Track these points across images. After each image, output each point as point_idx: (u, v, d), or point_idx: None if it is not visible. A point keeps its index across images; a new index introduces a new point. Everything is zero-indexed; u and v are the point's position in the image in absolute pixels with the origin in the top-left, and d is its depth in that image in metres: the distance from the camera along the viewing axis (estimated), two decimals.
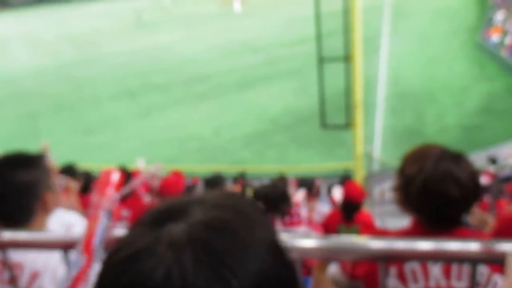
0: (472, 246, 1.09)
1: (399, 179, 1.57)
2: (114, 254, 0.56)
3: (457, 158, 1.51)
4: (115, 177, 1.19)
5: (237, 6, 42.74)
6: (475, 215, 2.61)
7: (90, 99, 19.71)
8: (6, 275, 1.38)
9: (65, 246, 1.21)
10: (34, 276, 1.42)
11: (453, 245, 1.11)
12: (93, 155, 13.43)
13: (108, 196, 1.14)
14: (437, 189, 1.45)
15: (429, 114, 14.57)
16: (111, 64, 25.82)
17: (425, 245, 1.12)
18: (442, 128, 13.51)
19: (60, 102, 19.74)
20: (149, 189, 4.87)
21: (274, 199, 3.31)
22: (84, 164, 8.53)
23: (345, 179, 7.24)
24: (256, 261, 0.55)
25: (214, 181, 5.73)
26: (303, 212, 3.75)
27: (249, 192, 5.39)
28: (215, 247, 0.53)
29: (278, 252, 0.60)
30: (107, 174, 1.19)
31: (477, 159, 11.05)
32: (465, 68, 18.66)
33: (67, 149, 13.32)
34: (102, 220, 1.12)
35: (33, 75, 24.99)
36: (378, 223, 5.55)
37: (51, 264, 1.41)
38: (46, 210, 1.58)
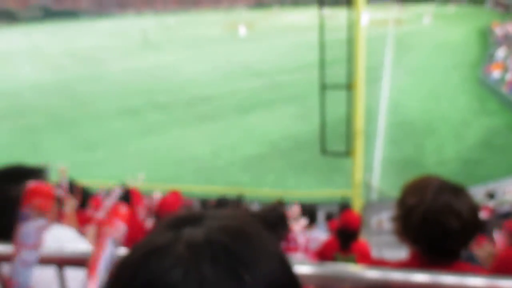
0: (470, 281, 1.08)
1: (399, 209, 1.57)
2: (133, 251, 0.57)
3: (457, 190, 1.51)
4: (123, 210, 1.20)
5: (242, 31, 43.32)
6: (484, 248, 2.58)
7: (92, 116, 19.78)
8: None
9: (59, 262, 1.20)
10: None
11: (449, 279, 1.10)
12: (92, 171, 13.39)
13: (115, 227, 1.15)
14: (436, 221, 1.45)
15: (428, 145, 14.60)
16: (115, 82, 26.00)
17: (421, 277, 1.11)
18: (441, 160, 13.52)
19: (62, 117, 19.80)
20: (148, 209, 4.85)
21: (272, 222, 3.28)
22: (83, 180, 8.50)
23: (343, 208, 7.20)
24: (268, 267, 0.57)
25: (218, 204, 5.72)
26: (301, 239, 3.73)
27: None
28: (232, 249, 0.55)
29: (286, 263, 0.62)
30: (117, 207, 1.20)
31: (476, 193, 11.02)
32: (466, 102, 18.79)
33: (66, 164, 13.30)
34: (109, 248, 1.12)
35: (35, 89, 25.12)
36: (374, 253, 5.50)
37: (44, 280, 1.39)
38: None
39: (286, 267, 0.61)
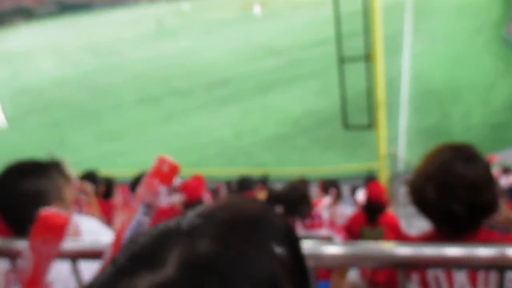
0: (509, 252, 1.01)
1: (411, 182, 1.49)
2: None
3: (471, 159, 1.41)
4: (166, 167, 1.07)
5: (257, 10, 42.88)
6: (501, 213, 2.48)
7: (113, 106, 19.98)
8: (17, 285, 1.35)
9: (73, 256, 1.17)
10: (46, 286, 1.39)
11: (484, 251, 1.03)
12: (117, 161, 13.59)
13: (152, 188, 1.04)
14: (448, 194, 1.36)
15: (454, 112, 14.26)
16: (133, 71, 26.14)
17: (453, 251, 1.04)
18: (468, 127, 13.20)
19: (84, 110, 20.07)
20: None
21: (293, 201, 3.25)
22: (108, 170, 8.61)
23: (367, 181, 7.11)
24: None
25: (241, 185, 5.69)
26: (325, 214, 3.67)
27: (266, 195, 5.32)
28: None
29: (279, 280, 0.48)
30: (160, 163, 1.07)
31: (507, 157, 10.74)
32: (491, 65, 18.22)
33: (91, 156, 13.51)
34: (138, 214, 1.02)
35: (56, 84, 25.47)
36: (403, 225, 5.42)
37: (62, 273, 1.38)
38: None
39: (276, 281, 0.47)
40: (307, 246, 1.08)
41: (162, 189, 1.04)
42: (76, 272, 1.17)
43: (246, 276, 0.45)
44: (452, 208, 1.35)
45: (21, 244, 1.25)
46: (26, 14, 67.19)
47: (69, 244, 1.19)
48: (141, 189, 1.04)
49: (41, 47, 40.21)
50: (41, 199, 1.49)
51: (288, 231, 0.55)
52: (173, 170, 1.06)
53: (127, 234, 1.01)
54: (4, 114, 19.38)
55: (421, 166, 1.47)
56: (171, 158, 1.09)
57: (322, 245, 1.09)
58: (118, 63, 28.99)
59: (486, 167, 1.40)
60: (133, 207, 1.03)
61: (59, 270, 1.38)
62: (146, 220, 1.03)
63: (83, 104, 20.98)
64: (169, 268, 0.44)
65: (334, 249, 1.09)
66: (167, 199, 4.69)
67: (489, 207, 1.39)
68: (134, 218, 1.01)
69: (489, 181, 1.39)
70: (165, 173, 1.04)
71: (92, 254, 1.17)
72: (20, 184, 1.48)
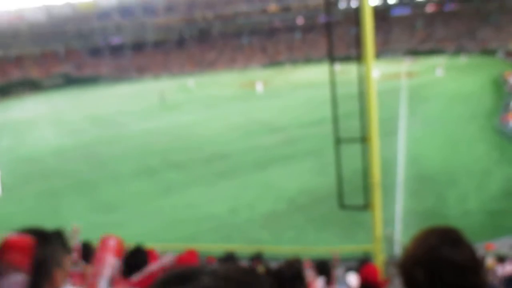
0: None
1: (400, 263, 1.54)
2: None
3: (457, 242, 1.47)
4: (113, 242, 1.18)
5: (259, 87, 44.31)
6: None
7: (111, 177, 20.03)
8: None
9: None
10: None
11: None
12: (111, 232, 13.37)
13: (106, 263, 1.13)
14: (434, 276, 1.41)
15: (450, 197, 14.32)
16: (133, 143, 26.49)
17: None
18: (465, 212, 13.20)
19: (81, 179, 20.09)
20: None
21: (288, 279, 3.23)
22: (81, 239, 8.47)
23: (362, 263, 7.00)
24: None
25: (226, 261, 5.61)
26: None
27: (262, 271, 5.24)
28: None
29: None
30: (105, 240, 1.19)
31: (502, 245, 10.65)
32: (485, 152, 18.58)
33: (85, 226, 13.32)
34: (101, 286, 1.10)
35: (56, 153, 25.71)
36: None
37: None
38: (53, 286, 1.57)
39: None
40: None
41: (114, 261, 1.13)
42: None
43: None
44: None
45: None
46: (33, 86, 69.13)
47: None
48: (94, 266, 1.13)
49: (45, 118, 41.00)
50: (43, 266, 1.52)
51: None
52: (120, 243, 1.17)
53: None
54: (1, 182, 19.36)
55: (409, 250, 1.53)
56: (114, 235, 1.20)
57: None
58: (119, 135, 29.44)
59: (471, 250, 1.46)
60: (92, 284, 1.11)
61: None
62: None
63: (81, 174, 21.04)
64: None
65: None
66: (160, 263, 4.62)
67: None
68: None
69: (476, 265, 1.44)
70: (113, 247, 1.15)
71: None
72: None
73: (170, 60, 79.72)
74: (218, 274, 0.63)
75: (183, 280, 0.61)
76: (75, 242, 3.01)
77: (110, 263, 1.11)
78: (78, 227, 2.97)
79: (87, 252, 4.35)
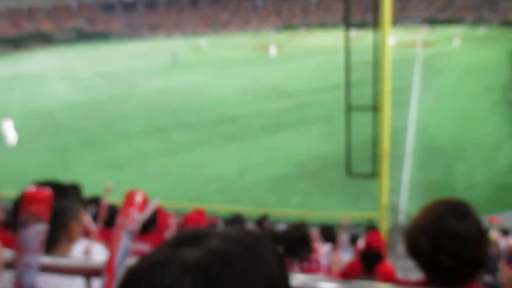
0: None
1: (407, 233, 1.57)
2: (134, 266, 0.64)
3: (464, 215, 1.50)
4: (139, 198, 1.22)
5: (272, 51, 43.77)
6: (503, 274, 2.52)
7: (120, 135, 20.17)
8: None
9: (87, 273, 1.24)
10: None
11: None
12: (119, 189, 13.59)
13: (130, 217, 1.17)
14: (439, 247, 1.43)
15: (458, 169, 14.30)
16: (144, 102, 26.52)
17: None
18: (471, 185, 13.20)
19: (91, 136, 20.26)
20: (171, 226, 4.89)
21: (294, 243, 3.29)
22: (111, 198, 8.63)
23: (367, 230, 7.09)
24: None
25: (233, 222, 5.71)
26: (323, 260, 3.69)
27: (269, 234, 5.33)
28: (214, 274, 0.60)
29: None
30: (131, 195, 1.22)
31: (508, 219, 10.70)
32: (497, 125, 18.39)
33: (94, 182, 13.53)
34: (123, 241, 1.14)
35: (67, 109, 25.84)
36: (400, 277, 5.37)
37: None
38: (71, 239, 1.63)
39: None
40: (302, 279, 1.13)
41: (139, 216, 1.17)
42: (88, 287, 1.24)
43: (255, 275, 0.63)
44: (442, 260, 1.42)
45: (45, 260, 1.32)
46: (45, 39, 68.82)
47: (83, 262, 1.26)
48: (120, 219, 1.17)
49: (56, 72, 41.00)
50: (60, 218, 1.56)
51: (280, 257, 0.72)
52: (145, 199, 1.21)
53: (117, 259, 1.13)
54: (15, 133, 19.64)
55: (416, 219, 1.56)
56: (140, 190, 1.23)
57: (318, 280, 1.14)
58: (130, 93, 29.45)
59: (478, 224, 1.49)
60: (116, 236, 1.16)
61: (70, 286, 1.44)
62: (130, 245, 1.16)
63: (91, 130, 21.20)
64: (198, 251, 0.63)
65: (330, 286, 1.13)
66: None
67: (479, 263, 1.46)
68: (120, 245, 1.14)
69: (481, 238, 1.47)
70: (139, 202, 1.18)
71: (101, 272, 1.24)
72: None
73: (183, 19, 78.66)
74: (226, 237, 0.66)
75: (192, 241, 0.64)
76: (105, 200, 3.09)
77: (135, 218, 1.15)
78: (111, 185, 3.04)
79: (98, 207, 4.44)
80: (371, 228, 7.94)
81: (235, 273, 0.61)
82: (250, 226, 8.00)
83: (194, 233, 0.68)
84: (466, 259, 1.43)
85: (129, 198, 1.19)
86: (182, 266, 0.60)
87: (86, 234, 2.90)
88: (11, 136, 19.54)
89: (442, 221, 1.47)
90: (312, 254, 3.54)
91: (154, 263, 0.62)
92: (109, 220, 4.74)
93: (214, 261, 0.61)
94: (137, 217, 1.16)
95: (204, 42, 57.44)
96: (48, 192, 1.25)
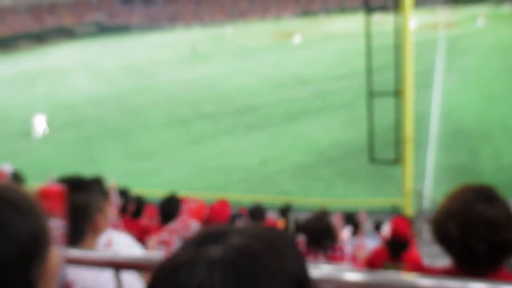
0: None
1: (434, 219, 1.57)
2: (160, 266, 0.65)
3: (493, 200, 1.49)
4: (197, 207, 1.24)
5: (297, 38, 43.39)
6: None
7: (143, 126, 20.38)
8: None
9: (116, 266, 1.25)
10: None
11: None
12: (144, 180, 13.79)
13: (187, 225, 1.20)
14: (469, 232, 1.43)
15: (484, 152, 14.01)
16: (165, 93, 26.71)
17: (477, 286, 1.07)
18: (498, 168, 12.92)
19: (115, 128, 20.54)
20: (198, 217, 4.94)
21: (317, 233, 3.29)
22: (136, 189, 8.76)
23: (394, 216, 7.04)
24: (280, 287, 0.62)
25: (254, 212, 5.72)
26: (348, 248, 3.68)
27: (293, 225, 5.34)
28: (242, 270, 0.60)
29: (304, 284, 0.68)
30: (190, 204, 1.25)
31: None
32: None
33: (120, 173, 13.76)
34: (176, 246, 1.17)
35: (91, 102, 26.21)
36: (426, 263, 5.32)
37: (100, 281, 1.46)
38: (96, 230, 1.67)
39: (300, 286, 0.67)
40: (328, 270, 1.13)
41: (194, 225, 1.18)
42: (118, 281, 1.25)
43: (281, 268, 0.65)
44: (472, 244, 1.42)
45: (67, 253, 1.34)
46: (66, 33, 69.77)
47: (112, 254, 1.28)
48: (176, 225, 1.19)
49: (79, 66, 41.56)
50: (86, 211, 1.60)
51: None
52: (202, 207, 1.22)
53: None
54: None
55: (443, 205, 1.56)
56: (199, 199, 1.24)
57: (343, 270, 1.14)
58: (151, 84, 29.68)
59: (506, 208, 1.49)
60: (169, 241, 1.17)
61: (98, 278, 1.47)
62: None
63: (114, 122, 21.48)
64: (223, 247, 0.63)
65: (356, 277, 1.12)
66: None
67: (508, 246, 1.46)
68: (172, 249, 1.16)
69: (509, 221, 1.46)
70: (197, 212, 1.19)
71: (134, 265, 1.25)
72: (68, 198, 1.59)
73: (201, 9, 78.61)
74: (247, 233, 0.68)
75: (215, 239, 0.65)
76: (113, 197, 3.13)
77: (190, 227, 1.17)
78: (115, 183, 3.07)
79: (125, 197, 4.51)
80: (396, 214, 7.87)
81: (261, 267, 0.62)
82: (273, 215, 8.02)
83: (216, 230, 0.69)
84: (495, 243, 1.43)
85: (189, 207, 1.21)
86: (209, 264, 0.60)
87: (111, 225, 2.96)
88: (41, 129, 20.02)
89: (470, 205, 1.48)
90: (336, 243, 3.53)
91: (180, 263, 0.63)
92: (136, 211, 4.83)
93: (240, 257, 0.62)
94: (193, 226, 1.18)
95: (230, 31, 57.36)
96: (60, 188, 1.27)
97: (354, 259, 3.62)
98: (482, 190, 1.53)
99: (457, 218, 1.47)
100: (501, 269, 1.46)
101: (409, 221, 6.59)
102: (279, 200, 10.35)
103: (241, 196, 11.57)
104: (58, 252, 1.06)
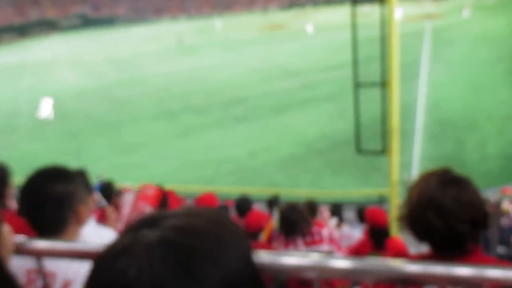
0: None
1: (403, 207, 1.58)
2: (99, 257, 0.63)
3: (458, 180, 1.52)
4: (151, 192, 1.21)
5: (310, 28, 42.97)
6: None
7: (131, 119, 20.24)
8: (39, 283, 1.41)
9: (94, 257, 1.22)
10: (66, 285, 1.45)
11: (494, 272, 1.06)
12: (131, 174, 13.70)
13: (140, 209, 1.17)
14: (452, 218, 1.44)
15: (470, 142, 14.16)
16: (152, 86, 26.52)
17: (463, 270, 1.07)
18: (484, 157, 13.08)
19: (101, 121, 20.36)
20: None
21: (291, 221, 3.35)
22: (122, 183, 8.69)
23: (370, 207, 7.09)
24: (223, 261, 0.61)
25: (241, 204, 5.71)
26: (325, 231, 3.70)
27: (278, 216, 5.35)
28: (183, 247, 0.59)
29: (247, 258, 0.67)
30: (144, 189, 1.22)
31: None
32: (509, 96, 18.11)
33: (107, 167, 13.65)
34: None
35: (76, 95, 25.93)
36: (412, 251, 5.38)
37: (82, 273, 1.44)
38: (79, 221, 1.65)
39: (247, 263, 0.66)
40: (314, 257, 1.11)
41: (149, 209, 1.16)
42: None
43: (224, 243, 0.63)
44: (457, 229, 1.43)
45: (45, 244, 1.31)
46: (50, 26, 68.75)
47: (95, 245, 1.26)
48: (128, 211, 1.16)
49: (64, 59, 41.06)
50: (68, 201, 1.57)
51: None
52: (158, 193, 1.19)
53: None
54: (23, 123, 19.81)
55: (412, 196, 1.58)
56: (154, 184, 1.22)
57: (330, 258, 1.12)
58: (138, 77, 29.45)
59: (470, 184, 1.53)
60: (121, 228, 1.14)
61: (79, 270, 1.44)
62: None
63: (101, 115, 21.29)
64: (159, 229, 0.62)
65: (343, 263, 1.11)
66: None
67: (487, 220, 1.50)
68: None
69: (479, 197, 1.51)
70: (151, 196, 1.17)
71: None
72: (50, 187, 1.57)
73: (187, 1, 78.00)
74: (186, 213, 0.67)
75: (151, 223, 0.64)
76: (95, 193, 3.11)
77: (145, 212, 1.14)
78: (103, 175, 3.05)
79: (108, 193, 4.46)
80: (381, 204, 7.93)
81: (203, 242, 0.61)
82: (262, 207, 8.03)
83: (153, 215, 0.67)
84: (476, 221, 1.46)
85: (142, 192, 1.19)
86: (146, 247, 0.59)
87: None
88: (46, 112, 20.70)
89: (441, 191, 1.49)
90: (313, 227, 3.56)
91: (118, 251, 0.61)
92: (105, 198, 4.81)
93: (179, 234, 0.61)
94: (147, 211, 1.15)
95: (219, 23, 57.07)
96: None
97: (332, 241, 3.63)
98: (444, 174, 1.56)
99: (433, 207, 1.48)
100: (477, 251, 1.48)
101: (386, 210, 6.64)
102: (268, 192, 10.36)
103: (230, 188, 11.56)
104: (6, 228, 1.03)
